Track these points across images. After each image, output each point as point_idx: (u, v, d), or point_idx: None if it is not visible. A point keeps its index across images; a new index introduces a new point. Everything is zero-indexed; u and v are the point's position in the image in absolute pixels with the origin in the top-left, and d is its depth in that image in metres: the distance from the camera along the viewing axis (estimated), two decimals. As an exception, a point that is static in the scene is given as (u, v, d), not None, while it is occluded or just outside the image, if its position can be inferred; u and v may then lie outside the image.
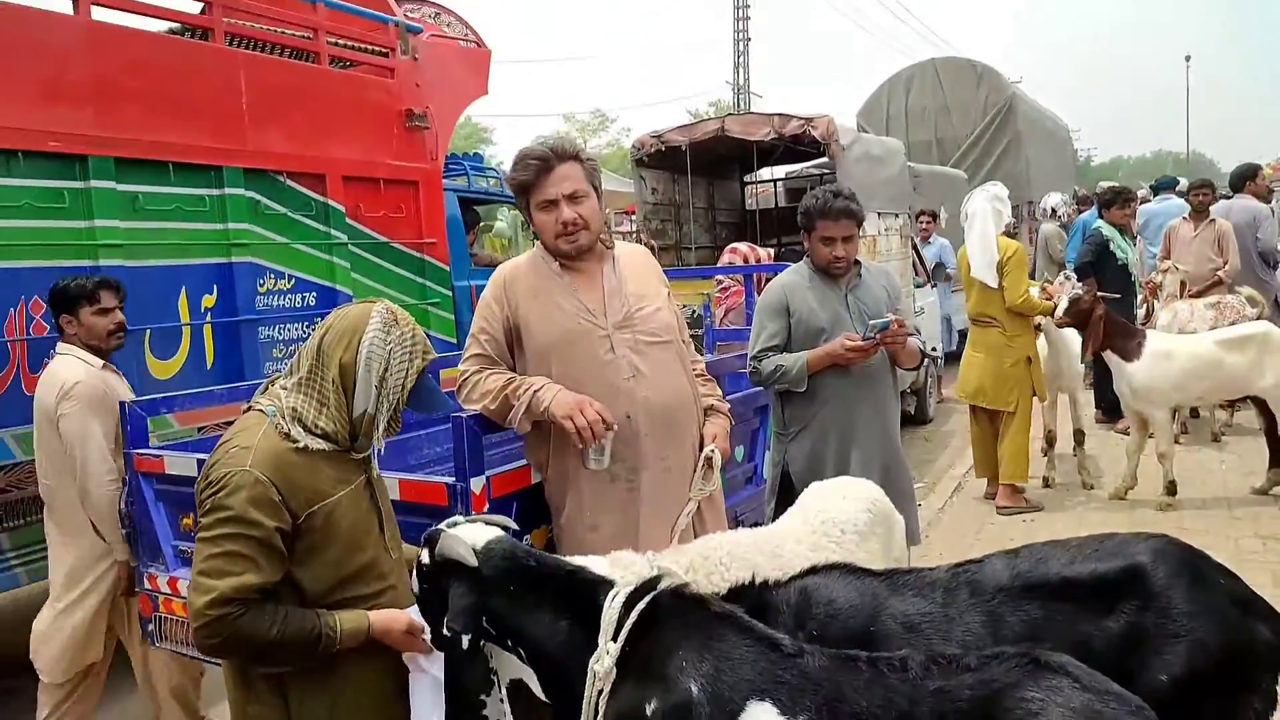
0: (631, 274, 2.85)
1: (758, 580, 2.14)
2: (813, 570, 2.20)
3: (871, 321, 3.38)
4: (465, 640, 1.85)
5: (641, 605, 1.78)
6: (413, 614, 2.12)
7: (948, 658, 1.44)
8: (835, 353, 3.41)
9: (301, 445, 2.02)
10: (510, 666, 1.94)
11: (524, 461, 2.93)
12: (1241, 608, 2.05)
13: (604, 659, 1.74)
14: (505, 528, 2.10)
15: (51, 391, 3.45)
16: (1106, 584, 2.05)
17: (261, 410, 2.09)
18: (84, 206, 4.23)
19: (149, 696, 3.76)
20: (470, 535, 1.98)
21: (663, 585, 1.82)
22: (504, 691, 1.94)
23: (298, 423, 2.04)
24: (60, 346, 3.61)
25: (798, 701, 1.52)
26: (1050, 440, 6.70)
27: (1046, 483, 6.58)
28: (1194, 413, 8.11)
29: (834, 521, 2.71)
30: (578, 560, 2.07)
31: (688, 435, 2.84)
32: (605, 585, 1.87)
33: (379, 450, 2.17)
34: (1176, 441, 6.89)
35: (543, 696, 1.94)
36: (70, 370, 3.49)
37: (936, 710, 1.38)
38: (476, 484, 2.68)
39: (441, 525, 2.06)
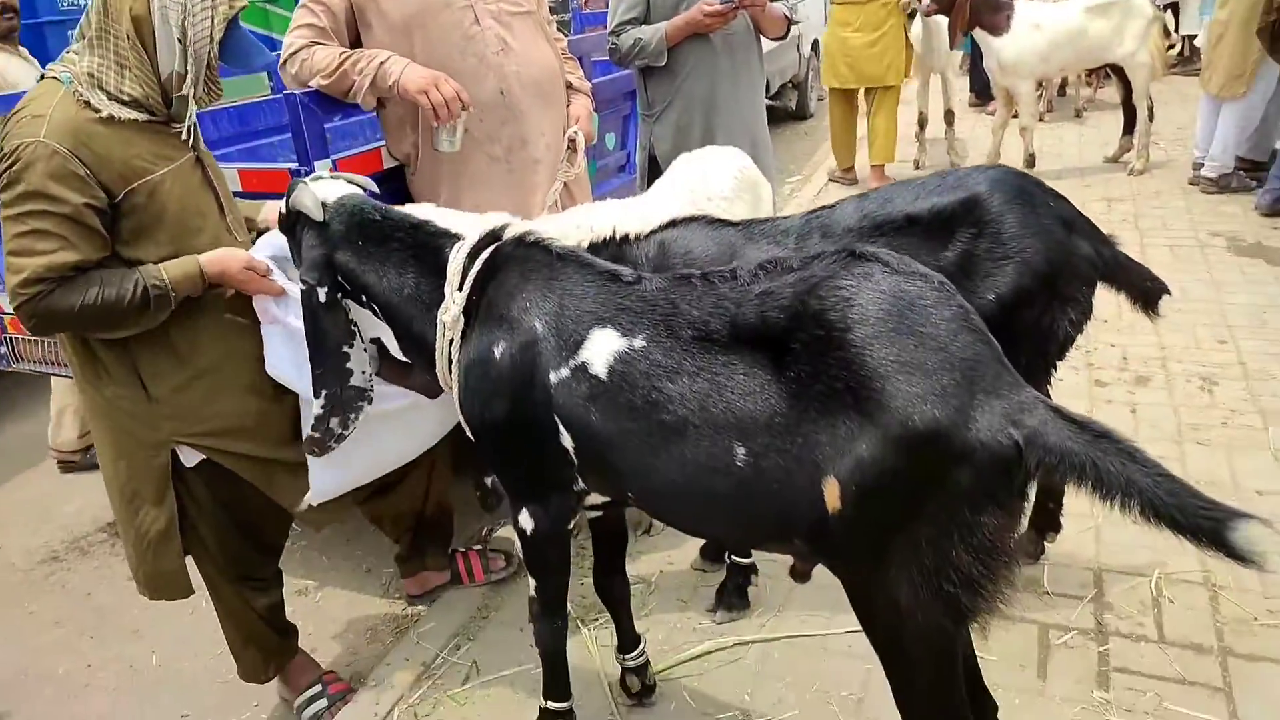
0: None
1: (617, 235, 2.14)
2: (671, 224, 2.20)
3: None
4: (322, 293, 1.83)
5: (485, 255, 1.76)
6: (253, 253, 2.05)
7: (774, 262, 1.48)
8: (694, 19, 3.25)
9: (105, 115, 1.84)
10: (368, 324, 1.94)
11: (375, 145, 2.78)
12: (1066, 227, 2.16)
13: (450, 308, 1.75)
14: (365, 189, 2.04)
15: None
16: (945, 216, 2.12)
17: (56, 78, 1.88)
18: None
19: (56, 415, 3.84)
20: (324, 189, 1.92)
21: (507, 235, 1.80)
22: (366, 343, 1.94)
23: (98, 89, 1.85)
24: None
25: (637, 323, 1.56)
26: (922, 123, 6.77)
27: (917, 165, 6.73)
28: (1061, 90, 8.26)
29: (700, 189, 2.70)
30: (450, 216, 2.01)
31: (560, 109, 2.75)
32: (451, 238, 1.85)
33: (193, 116, 1.99)
34: (1041, 119, 7.07)
35: (399, 355, 1.95)
36: None
37: (760, 310, 1.43)
38: (322, 166, 2.54)
39: (304, 177, 1.99)
